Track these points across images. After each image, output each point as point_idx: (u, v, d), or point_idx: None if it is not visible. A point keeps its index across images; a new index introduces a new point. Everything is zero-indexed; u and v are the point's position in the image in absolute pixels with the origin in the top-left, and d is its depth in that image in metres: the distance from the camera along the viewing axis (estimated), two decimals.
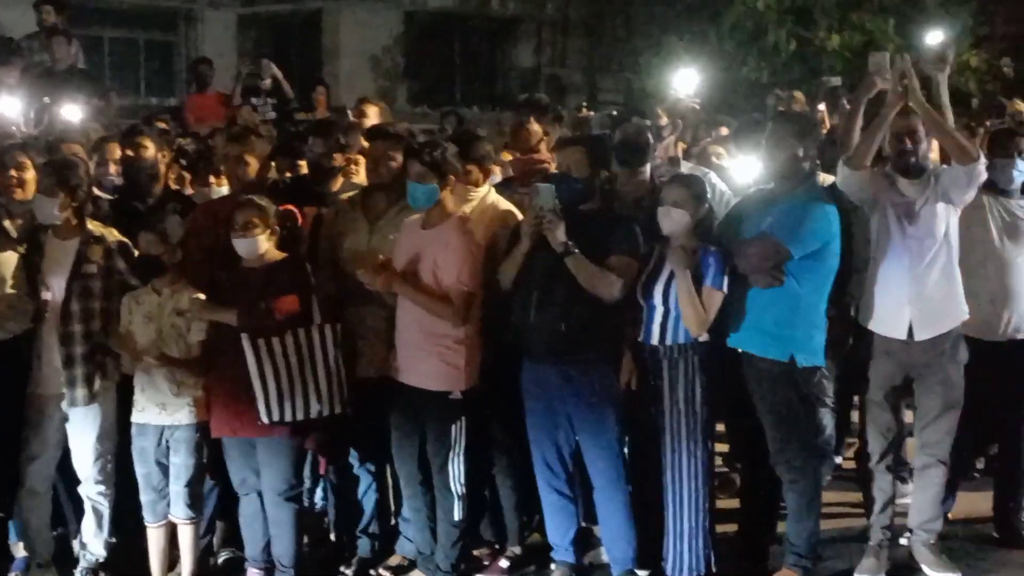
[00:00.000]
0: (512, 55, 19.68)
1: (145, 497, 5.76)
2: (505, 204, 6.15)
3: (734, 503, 6.37)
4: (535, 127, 6.81)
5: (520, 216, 5.91)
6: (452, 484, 5.66)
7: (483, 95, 15.86)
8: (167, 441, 5.68)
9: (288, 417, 5.46)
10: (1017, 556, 6.30)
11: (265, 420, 5.44)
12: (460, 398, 5.59)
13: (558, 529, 5.86)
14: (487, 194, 6.13)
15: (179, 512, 5.72)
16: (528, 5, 19.51)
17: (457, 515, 5.68)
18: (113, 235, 5.82)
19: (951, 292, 5.88)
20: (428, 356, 5.59)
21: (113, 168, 7.09)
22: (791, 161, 5.74)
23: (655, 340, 5.63)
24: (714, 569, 5.74)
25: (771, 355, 5.63)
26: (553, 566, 5.91)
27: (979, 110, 12.10)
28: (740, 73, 14.97)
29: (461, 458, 5.65)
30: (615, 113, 9.90)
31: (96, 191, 6.52)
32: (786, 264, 5.58)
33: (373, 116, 8.04)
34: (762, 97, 12.91)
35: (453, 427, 5.61)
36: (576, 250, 5.48)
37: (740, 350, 5.72)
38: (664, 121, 7.90)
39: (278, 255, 5.61)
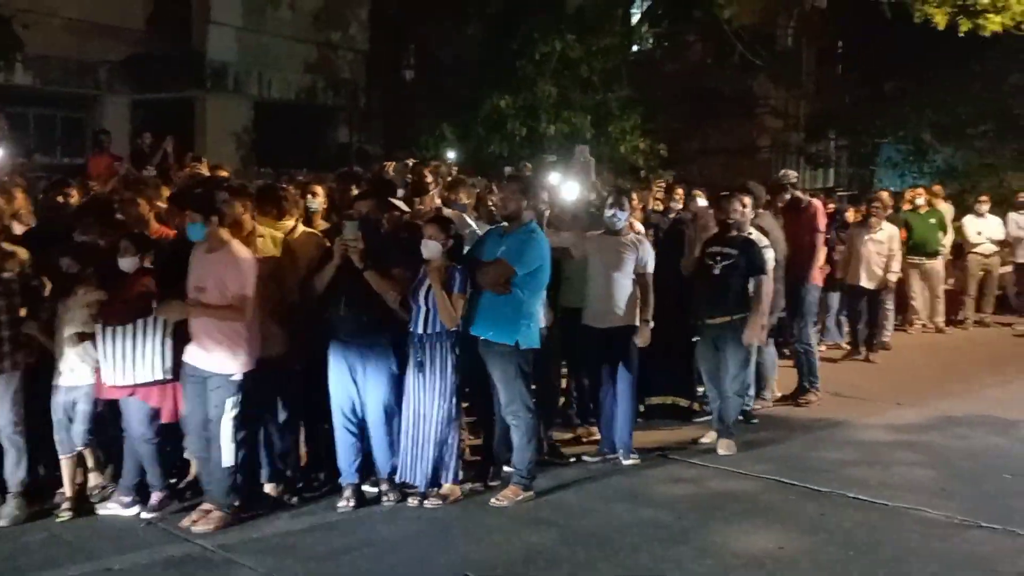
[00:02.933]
0: (332, 133, 19.59)
1: (57, 436, 5.66)
2: (317, 235, 6.20)
3: (479, 441, 6.50)
4: (352, 191, 6.84)
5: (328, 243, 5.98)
6: (224, 440, 5.48)
7: (311, 163, 15.70)
8: (73, 396, 5.63)
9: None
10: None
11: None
12: (239, 379, 5.47)
13: (347, 458, 5.84)
14: (295, 227, 6.12)
15: (79, 442, 5.68)
16: (344, 98, 19.44)
17: (227, 461, 5.48)
18: (22, 253, 5.65)
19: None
20: (216, 345, 5.44)
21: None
22: (518, 209, 6.01)
23: (420, 330, 5.80)
24: (461, 477, 5.93)
25: (502, 340, 5.83)
26: (343, 484, 5.86)
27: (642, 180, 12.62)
28: (488, 150, 15.21)
29: (233, 420, 5.46)
30: (409, 162, 9.99)
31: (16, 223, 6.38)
32: (513, 279, 5.84)
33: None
34: (502, 166, 13.19)
35: (229, 400, 5.46)
36: (371, 267, 5.64)
37: (481, 337, 5.88)
38: (429, 179, 8.02)
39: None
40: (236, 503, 5.59)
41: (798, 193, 8.99)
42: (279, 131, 17.45)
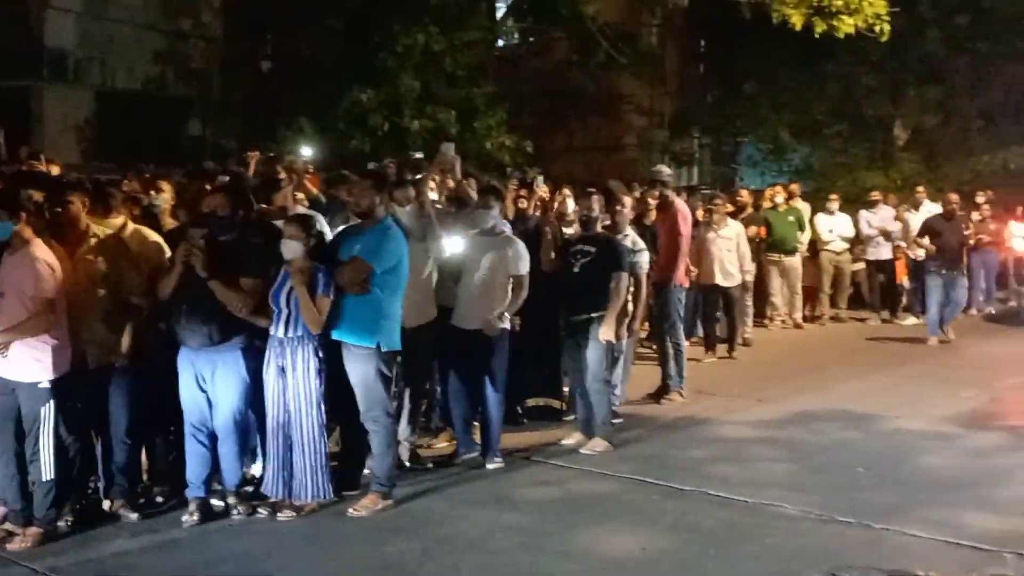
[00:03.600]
0: (184, 126, 18.88)
1: None
2: (153, 236, 5.92)
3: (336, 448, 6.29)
4: (205, 187, 6.56)
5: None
6: (43, 452, 5.22)
7: (161, 157, 15.07)
8: None
9: None
10: None
11: None
12: (48, 386, 5.21)
13: (195, 470, 5.63)
14: (124, 226, 5.81)
15: None
16: (196, 89, 18.79)
17: (47, 475, 5.21)
18: None
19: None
20: (19, 353, 5.17)
21: None
22: (371, 206, 5.86)
23: (280, 334, 5.59)
24: (332, 495, 5.72)
25: (362, 343, 5.68)
26: (189, 498, 5.63)
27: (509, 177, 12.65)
28: (350, 145, 14.94)
29: (51, 431, 5.21)
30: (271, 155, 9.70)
31: None
32: (372, 278, 5.69)
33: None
34: (365, 163, 12.97)
35: (43, 408, 5.20)
36: (214, 278, 5.41)
37: (342, 341, 5.70)
38: (283, 175, 7.79)
39: None
40: (65, 520, 5.28)
41: (668, 191, 9.10)
42: (125, 123, 16.72)
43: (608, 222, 7.43)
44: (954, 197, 12.84)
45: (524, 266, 6.74)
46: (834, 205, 13.87)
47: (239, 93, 19.08)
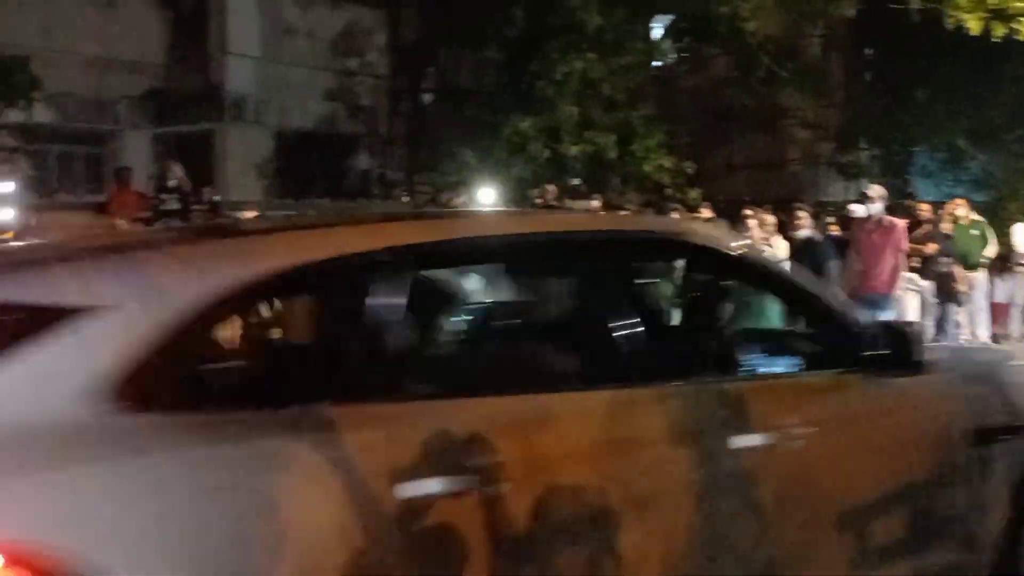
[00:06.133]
0: (353, 161, 19.77)
1: None
2: None
3: None
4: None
5: None
6: None
7: (332, 191, 15.89)
8: None
9: None
10: None
11: None
12: None
13: None
14: None
15: None
16: (364, 125, 19.64)
17: None
18: None
19: None
20: None
21: None
22: None
23: None
24: None
25: None
26: None
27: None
28: (512, 171, 15.28)
29: None
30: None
31: None
32: None
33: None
34: (526, 190, 13.27)
35: None
36: None
37: None
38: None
39: None
40: None
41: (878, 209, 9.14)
42: (300, 161, 17.65)
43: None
44: None
45: None
46: None
47: (403, 126, 19.84)
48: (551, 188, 12.48)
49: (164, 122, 17.16)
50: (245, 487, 2.18)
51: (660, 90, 18.10)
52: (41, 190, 12.71)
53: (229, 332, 3.01)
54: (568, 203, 11.13)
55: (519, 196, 13.38)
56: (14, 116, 12.64)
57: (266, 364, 3.03)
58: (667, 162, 15.16)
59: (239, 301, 2.56)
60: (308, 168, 17.69)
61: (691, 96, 19.55)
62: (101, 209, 12.05)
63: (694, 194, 13.97)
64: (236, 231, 3.53)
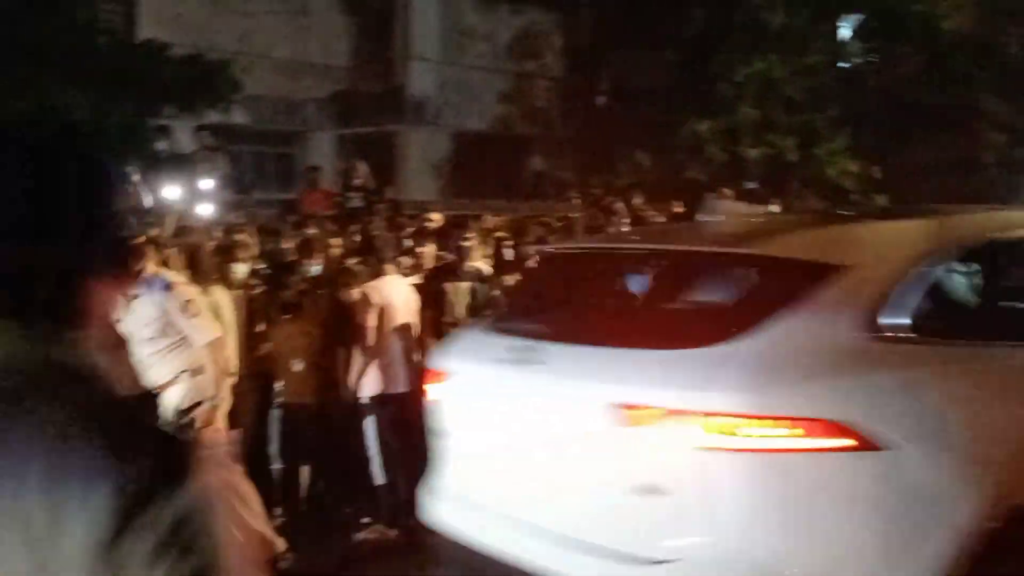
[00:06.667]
0: (526, 162, 19.95)
1: None
2: None
3: None
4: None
5: None
6: None
7: (506, 193, 16.06)
8: None
9: None
10: None
11: None
12: None
13: None
14: None
15: None
16: (538, 127, 19.80)
17: None
18: None
19: None
20: None
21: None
22: None
23: None
24: None
25: None
26: None
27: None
28: (686, 175, 15.08)
29: None
30: None
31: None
32: None
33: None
34: (701, 193, 13.03)
35: None
36: None
37: None
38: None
39: None
40: None
41: None
42: (475, 161, 17.96)
43: None
44: None
45: None
46: None
47: (576, 128, 19.87)
48: (727, 191, 12.24)
49: (348, 123, 17.79)
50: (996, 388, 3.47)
51: (843, 88, 17.44)
52: (237, 187, 13.36)
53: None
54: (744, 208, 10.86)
55: (695, 199, 13.17)
56: (214, 117, 13.35)
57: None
58: (852, 166, 14.62)
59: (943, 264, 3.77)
60: (483, 169, 17.97)
61: (876, 94, 18.76)
62: (292, 207, 12.60)
63: (880, 199, 13.41)
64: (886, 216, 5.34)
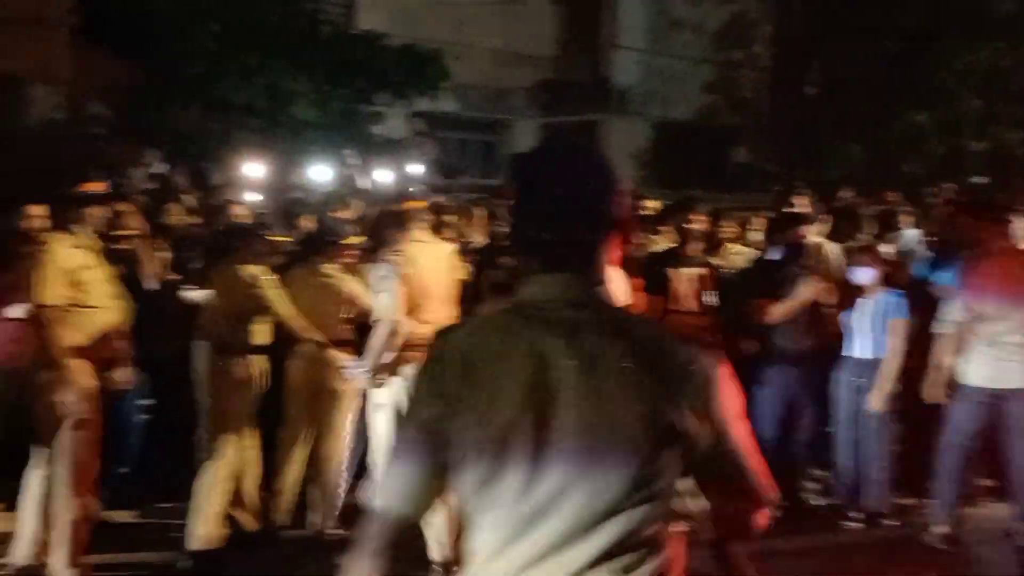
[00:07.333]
0: (731, 153, 19.62)
1: None
2: None
3: None
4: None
5: None
6: None
7: (710, 181, 15.87)
8: None
9: None
10: None
11: None
12: None
13: None
14: None
15: None
16: (744, 118, 19.42)
17: None
18: None
19: None
20: None
21: None
22: None
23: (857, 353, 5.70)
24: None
25: None
26: None
27: None
28: (901, 169, 14.46)
29: None
30: None
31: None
32: None
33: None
34: (918, 188, 12.47)
35: None
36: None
37: None
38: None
39: None
40: None
41: None
42: (678, 151, 17.84)
43: None
44: None
45: None
46: None
47: (784, 119, 19.36)
48: (949, 187, 11.63)
49: (552, 112, 18.04)
50: None
51: None
52: (444, 173, 13.84)
53: None
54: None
55: (912, 194, 12.60)
56: (424, 105, 13.86)
57: None
58: None
59: None
60: (685, 159, 17.82)
61: None
62: (497, 193, 12.90)
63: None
64: None
